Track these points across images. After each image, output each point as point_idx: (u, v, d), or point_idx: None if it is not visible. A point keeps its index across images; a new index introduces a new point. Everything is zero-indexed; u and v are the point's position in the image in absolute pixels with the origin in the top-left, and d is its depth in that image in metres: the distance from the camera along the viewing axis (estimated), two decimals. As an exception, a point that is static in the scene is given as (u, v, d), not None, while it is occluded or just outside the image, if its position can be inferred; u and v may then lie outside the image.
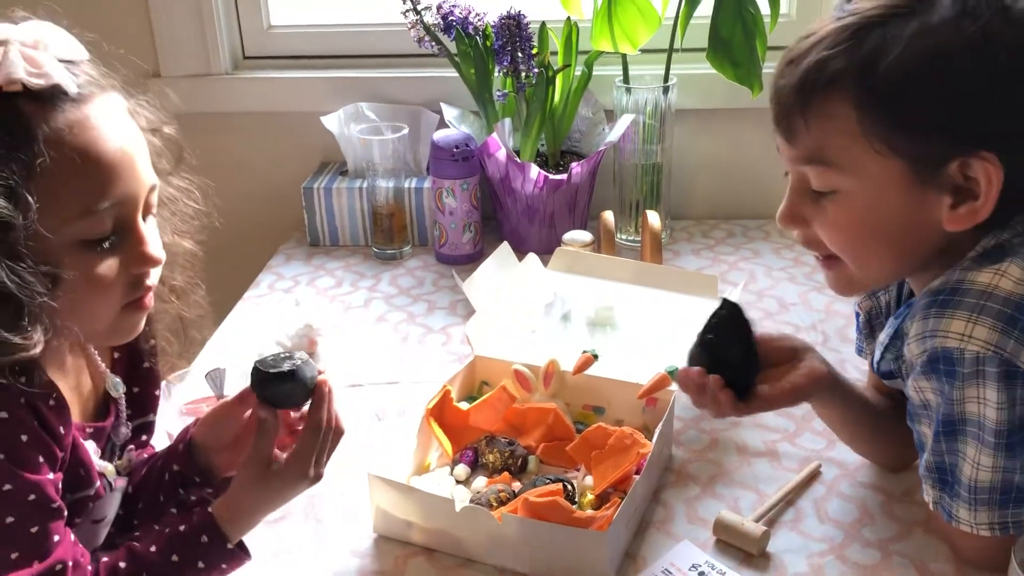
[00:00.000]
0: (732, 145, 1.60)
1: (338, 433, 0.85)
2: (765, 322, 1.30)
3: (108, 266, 0.75)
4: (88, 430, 0.83)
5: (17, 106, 0.71)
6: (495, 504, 0.92)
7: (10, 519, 0.72)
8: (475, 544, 0.89)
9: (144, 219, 0.78)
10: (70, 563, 0.74)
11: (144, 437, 0.91)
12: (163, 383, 0.94)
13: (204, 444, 0.89)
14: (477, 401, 1.06)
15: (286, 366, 0.82)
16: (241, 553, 0.82)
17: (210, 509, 0.82)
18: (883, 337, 0.91)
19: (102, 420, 0.85)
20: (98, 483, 0.82)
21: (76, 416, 0.82)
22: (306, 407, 0.84)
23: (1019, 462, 0.79)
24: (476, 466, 1.02)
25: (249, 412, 0.88)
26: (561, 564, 0.86)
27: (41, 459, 0.74)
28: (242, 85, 1.64)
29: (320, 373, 0.84)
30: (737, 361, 0.90)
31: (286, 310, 1.34)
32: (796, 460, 1.03)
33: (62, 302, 0.72)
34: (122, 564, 0.78)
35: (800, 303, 1.35)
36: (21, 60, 0.71)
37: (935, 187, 0.78)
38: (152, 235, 0.79)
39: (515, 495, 0.93)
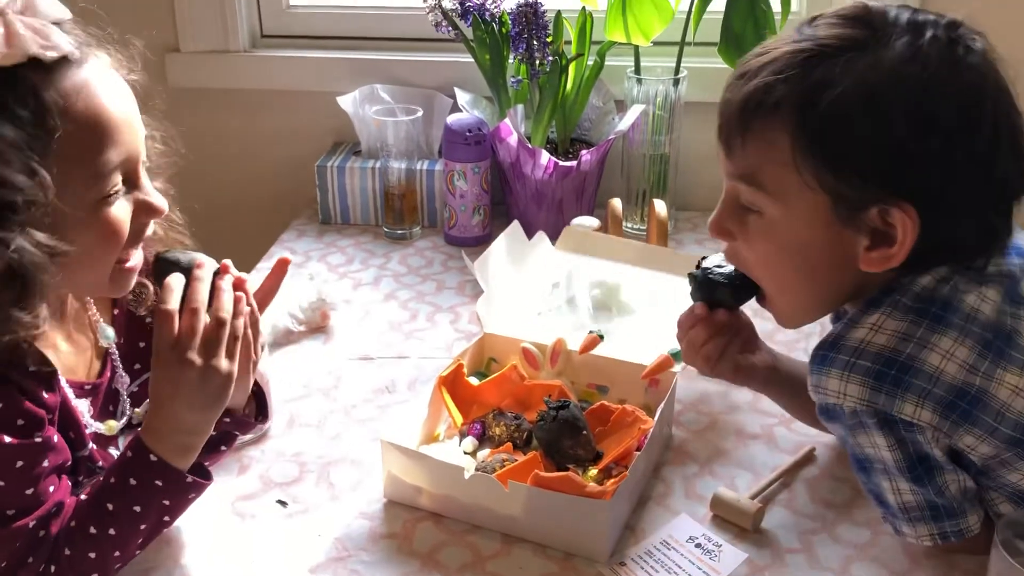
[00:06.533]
0: (738, 139, 1.62)
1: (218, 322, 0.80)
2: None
3: (119, 216, 0.77)
4: (86, 387, 0.85)
5: (26, 77, 0.71)
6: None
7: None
8: (482, 510, 0.93)
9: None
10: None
11: None
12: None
13: None
14: (487, 379, 1.09)
15: None
16: (174, 472, 0.79)
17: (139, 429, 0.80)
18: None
19: (100, 376, 0.87)
20: (91, 445, 0.84)
21: (73, 372, 0.83)
22: None
23: (932, 487, 0.82)
24: (483, 439, 1.05)
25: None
26: (563, 532, 0.90)
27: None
28: (259, 63, 1.67)
29: None
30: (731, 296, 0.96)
31: (300, 283, 1.37)
32: (791, 444, 1.06)
33: (73, 255, 0.73)
34: (83, 496, 0.81)
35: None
36: (30, 32, 0.71)
37: (854, 227, 0.79)
38: (150, 185, 0.80)
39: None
